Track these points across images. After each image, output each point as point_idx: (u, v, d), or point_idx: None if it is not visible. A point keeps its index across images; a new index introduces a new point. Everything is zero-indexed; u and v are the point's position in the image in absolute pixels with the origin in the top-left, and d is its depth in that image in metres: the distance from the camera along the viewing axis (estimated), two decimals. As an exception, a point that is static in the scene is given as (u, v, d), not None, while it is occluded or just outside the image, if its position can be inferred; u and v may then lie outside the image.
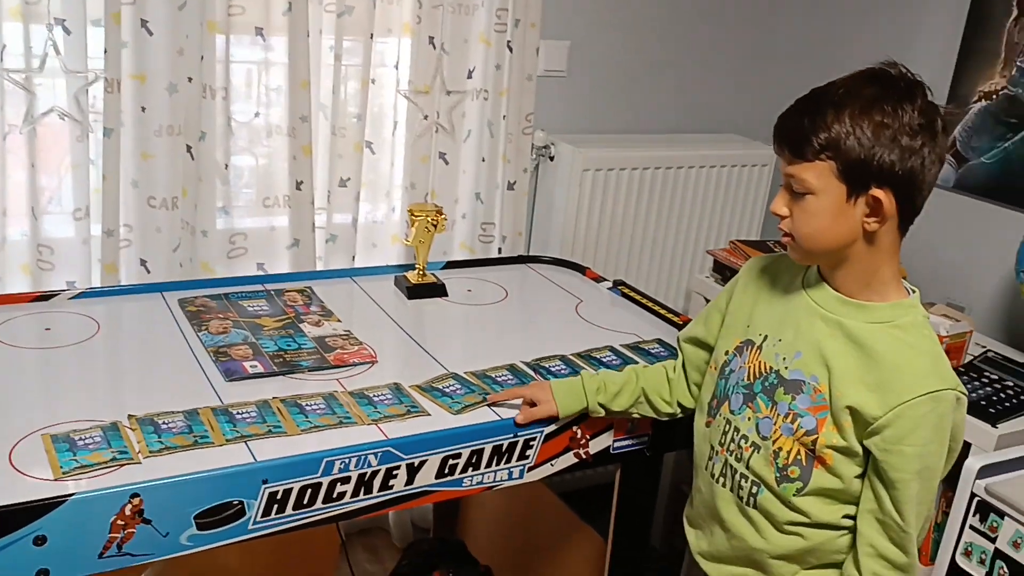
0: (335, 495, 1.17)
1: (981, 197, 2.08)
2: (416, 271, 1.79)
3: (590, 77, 2.31)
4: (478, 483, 1.28)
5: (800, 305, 1.16)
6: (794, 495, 1.14)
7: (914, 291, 1.14)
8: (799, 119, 1.07)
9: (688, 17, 2.39)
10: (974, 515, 1.43)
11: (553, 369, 1.48)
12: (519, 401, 1.32)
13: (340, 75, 1.92)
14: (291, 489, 1.13)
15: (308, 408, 1.29)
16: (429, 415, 1.30)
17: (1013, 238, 1.81)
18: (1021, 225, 1.84)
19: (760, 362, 1.18)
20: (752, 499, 1.18)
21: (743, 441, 1.18)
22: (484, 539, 2.06)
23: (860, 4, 2.39)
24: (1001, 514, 1.40)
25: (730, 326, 1.25)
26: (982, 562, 1.42)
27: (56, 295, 1.58)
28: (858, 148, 1.03)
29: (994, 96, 2.03)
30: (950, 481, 1.55)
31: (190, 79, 1.78)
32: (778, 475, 1.14)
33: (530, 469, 1.32)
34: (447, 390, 1.38)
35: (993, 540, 1.41)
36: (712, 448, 1.24)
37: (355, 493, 1.18)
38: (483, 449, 1.26)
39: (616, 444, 1.39)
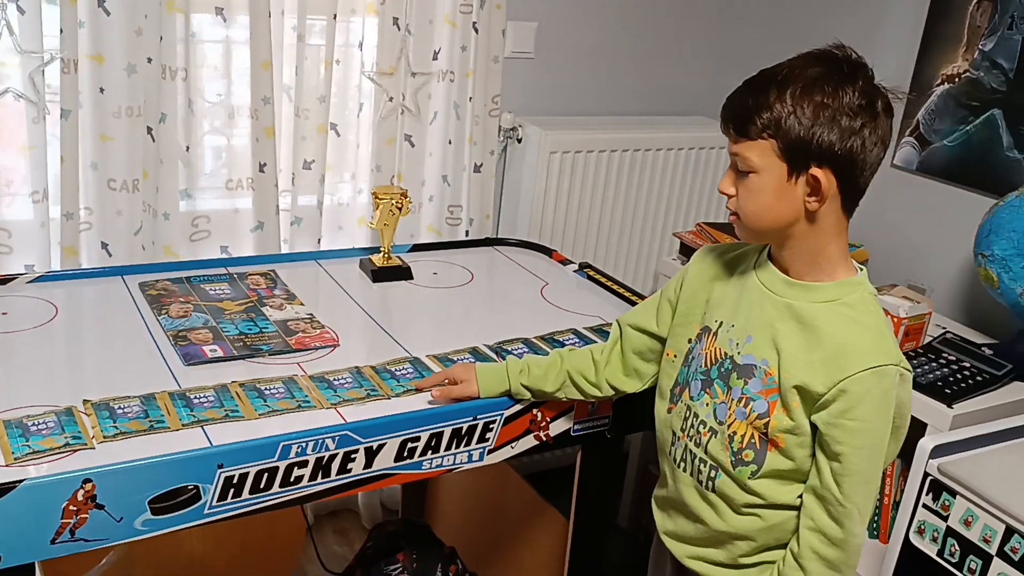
0: (292, 479, 1.17)
1: (943, 180, 2.11)
2: (381, 254, 1.79)
3: (558, 59, 2.30)
4: (437, 466, 1.29)
5: (752, 289, 1.17)
6: (749, 478, 1.15)
7: (862, 269, 1.15)
8: (743, 98, 1.08)
9: (656, -1, 2.39)
10: (927, 494, 1.46)
11: (516, 352, 1.48)
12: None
13: (303, 56, 1.90)
14: (247, 473, 1.13)
15: (267, 392, 1.28)
16: (389, 399, 1.30)
17: (973, 221, 1.83)
18: (981, 208, 1.85)
19: (716, 348, 1.19)
20: (711, 483, 1.19)
21: (701, 426, 1.20)
22: (451, 520, 2.08)
23: (827, -13, 2.40)
24: (953, 493, 1.42)
25: (686, 314, 1.26)
26: (935, 540, 1.45)
27: (14, 279, 1.56)
28: (798, 127, 1.04)
29: (957, 79, 2.05)
30: (905, 461, 1.58)
31: (149, 60, 1.75)
32: (733, 459, 1.16)
33: (490, 452, 1.33)
34: (397, 372, 1.38)
35: (945, 519, 1.43)
36: (674, 434, 1.25)
37: (313, 477, 1.18)
38: (442, 432, 1.27)
39: (576, 426, 1.40)
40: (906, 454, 1.52)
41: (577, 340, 1.54)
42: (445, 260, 1.89)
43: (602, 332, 1.58)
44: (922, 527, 1.47)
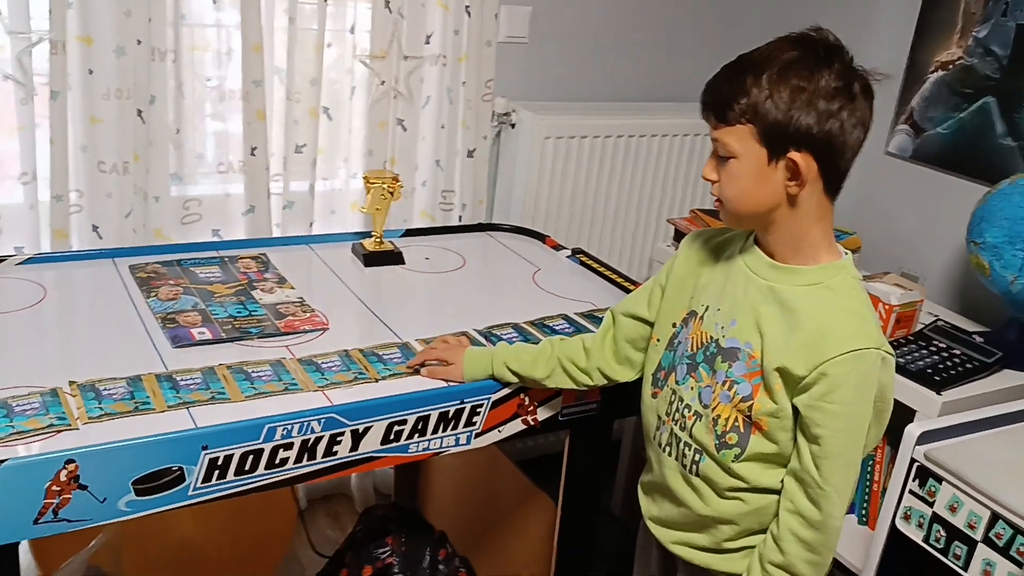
0: (278, 461, 1.17)
1: (936, 167, 2.10)
2: (373, 239, 1.78)
3: (552, 44, 2.29)
4: (424, 449, 1.29)
5: (737, 273, 1.17)
6: (732, 461, 1.15)
7: (847, 254, 1.15)
8: (721, 84, 1.08)
9: (652, -16, 2.37)
10: (914, 480, 1.46)
11: (505, 337, 1.48)
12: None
13: (294, 39, 1.89)
14: (232, 455, 1.13)
15: (254, 375, 1.28)
16: (376, 382, 1.30)
17: (966, 208, 1.83)
18: (974, 195, 1.85)
19: (702, 332, 1.19)
20: (695, 467, 1.19)
21: (686, 410, 1.20)
22: (443, 505, 2.08)
23: (824, -27, 2.38)
24: (939, 479, 1.43)
25: (673, 299, 1.26)
26: (920, 526, 1.45)
27: (3, 260, 1.56)
28: (775, 111, 1.04)
29: (950, 66, 2.04)
30: (893, 447, 1.58)
31: (139, 41, 1.74)
32: (717, 442, 1.16)
33: (477, 435, 1.33)
34: (385, 356, 1.38)
35: (931, 504, 1.44)
36: (659, 419, 1.25)
37: (299, 459, 1.19)
38: (429, 415, 1.27)
39: (565, 411, 1.40)
40: (894, 441, 1.52)
41: (567, 325, 1.54)
42: (438, 245, 1.89)
43: (593, 318, 1.58)
44: (908, 513, 1.47)
